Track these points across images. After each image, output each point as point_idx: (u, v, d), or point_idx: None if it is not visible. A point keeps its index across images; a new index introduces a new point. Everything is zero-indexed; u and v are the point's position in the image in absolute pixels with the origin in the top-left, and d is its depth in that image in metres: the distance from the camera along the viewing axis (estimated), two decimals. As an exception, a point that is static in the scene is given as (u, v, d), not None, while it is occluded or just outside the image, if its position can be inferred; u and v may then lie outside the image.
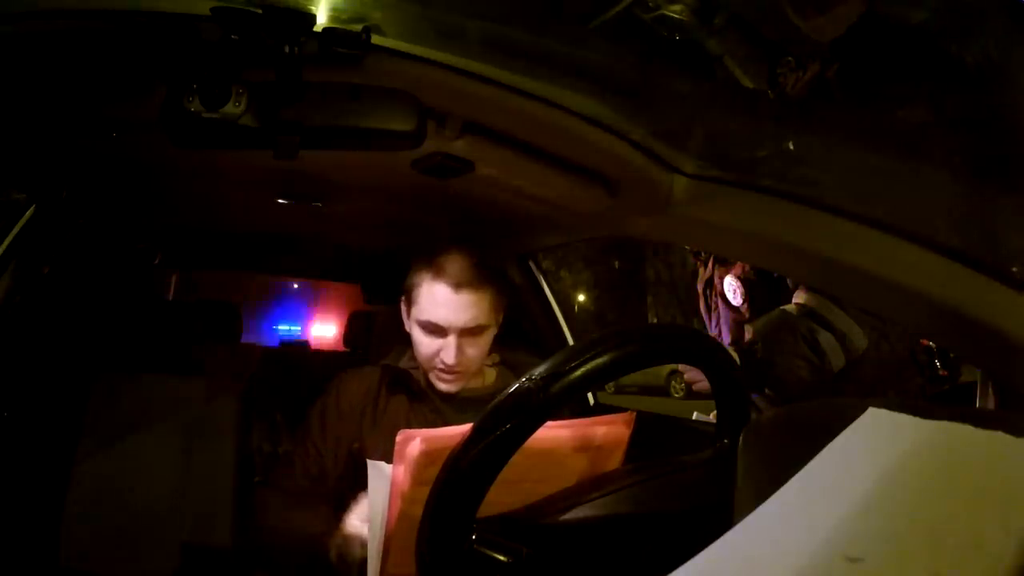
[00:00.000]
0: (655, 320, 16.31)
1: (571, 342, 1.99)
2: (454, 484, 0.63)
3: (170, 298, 2.80)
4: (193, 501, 1.64)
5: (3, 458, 1.48)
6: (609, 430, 0.92)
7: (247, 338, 2.61)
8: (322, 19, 0.80)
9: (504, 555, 0.64)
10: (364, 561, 0.95)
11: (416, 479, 0.80)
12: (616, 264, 17.47)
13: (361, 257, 2.38)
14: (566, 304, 2.25)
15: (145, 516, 1.59)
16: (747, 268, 1.60)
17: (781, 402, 1.46)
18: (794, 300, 1.47)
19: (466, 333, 1.22)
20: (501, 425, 0.61)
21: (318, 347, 4.53)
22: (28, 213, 1.36)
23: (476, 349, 1.26)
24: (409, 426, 0.85)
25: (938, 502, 0.42)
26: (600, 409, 1.96)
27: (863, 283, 0.87)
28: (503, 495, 0.66)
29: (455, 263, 1.22)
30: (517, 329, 1.94)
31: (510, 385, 0.63)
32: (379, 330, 1.77)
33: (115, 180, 1.42)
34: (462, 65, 0.89)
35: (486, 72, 0.90)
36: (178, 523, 1.61)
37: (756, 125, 1.26)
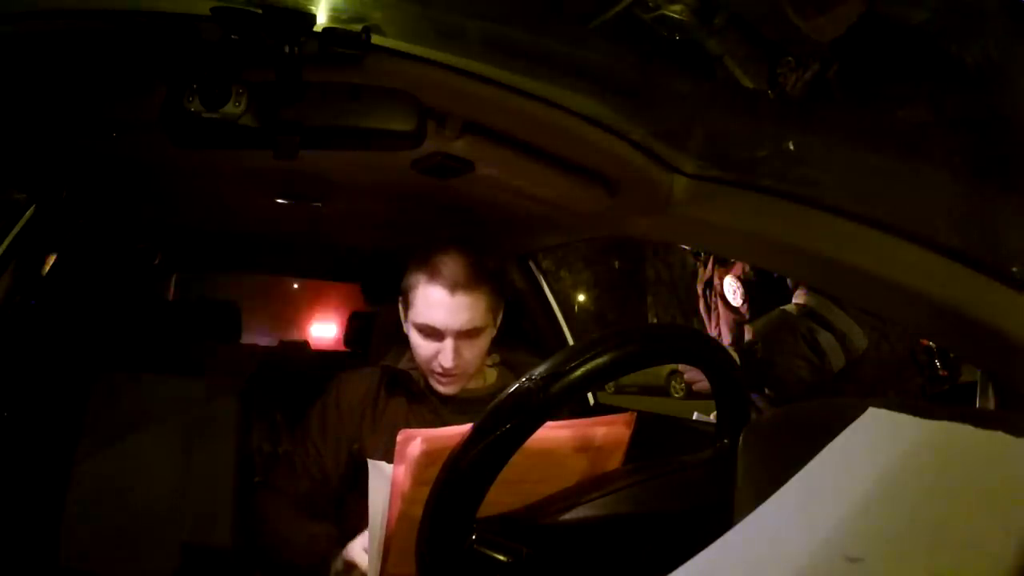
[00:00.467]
0: (655, 320, 16.31)
1: (571, 342, 1.99)
2: (454, 484, 0.63)
3: (171, 298, 2.81)
4: (193, 501, 1.64)
5: (3, 458, 1.48)
6: (609, 430, 0.92)
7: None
8: (322, 19, 0.80)
9: (504, 555, 0.64)
10: None
11: (416, 479, 0.80)
12: (616, 264, 17.47)
13: (361, 257, 2.38)
14: (566, 304, 2.25)
15: (145, 516, 1.59)
16: (747, 268, 1.60)
17: (781, 402, 1.46)
18: (794, 300, 1.47)
19: (463, 336, 1.22)
20: (501, 425, 0.61)
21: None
22: (28, 213, 1.36)
23: (473, 351, 1.25)
24: (408, 427, 0.85)
25: (938, 502, 0.42)
26: (600, 409, 1.96)
27: (863, 283, 0.87)
28: (503, 495, 0.66)
29: (450, 265, 1.21)
30: (517, 329, 1.95)
31: (510, 385, 0.63)
32: (379, 331, 1.77)
33: (115, 180, 1.42)
34: (462, 65, 0.89)
35: (486, 72, 0.90)
36: (178, 523, 1.62)
37: (756, 125, 1.26)
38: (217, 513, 1.64)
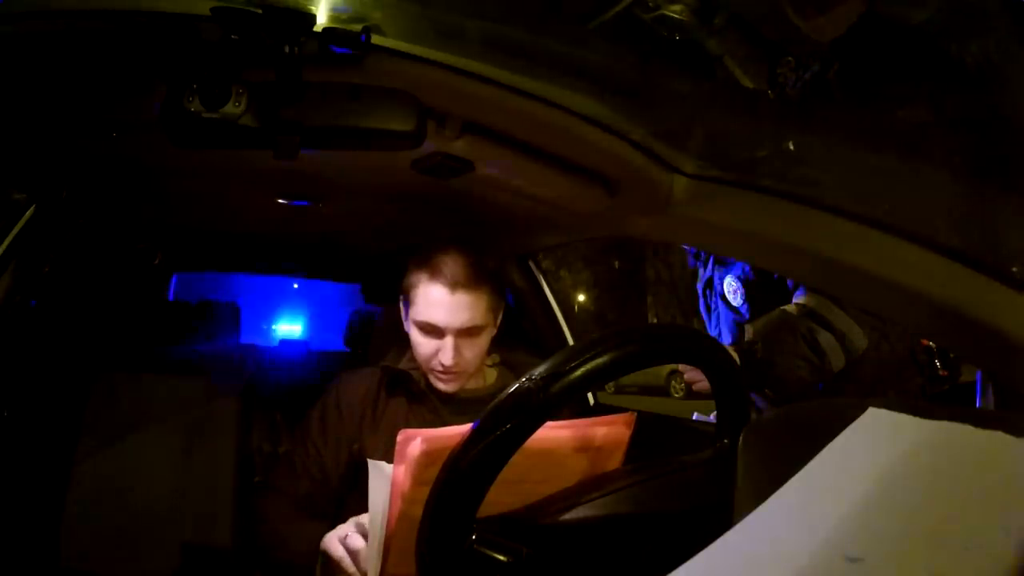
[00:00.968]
0: (655, 320, 16.31)
1: (571, 342, 1.99)
2: (454, 484, 0.63)
3: (170, 298, 2.81)
4: (193, 501, 1.64)
5: (3, 458, 1.48)
6: (609, 430, 0.92)
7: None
8: (322, 19, 0.80)
9: (504, 555, 0.64)
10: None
11: (416, 479, 0.80)
12: (616, 264, 17.47)
13: (361, 257, 2.38)
14: (566, 304, 2.25)
15: (145, 516, 1.59)
16: (747, 268, 1.60)
17: (781, 402, 1.46)
18: (794, 300, 1.47)
19: (463, 334, 1.22)
20: (501, 425, 0.61)
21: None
22: (28, 213, 1.35)
23: (474, 350, 1.26)
24: (408, 427, 0.85)
25: (938, 502, 0.42)
26: (600, 409, 1.96)
27: (863, 283, 0.87)
28: (503, 495, 0.66)
29: (451, 264, 1.22)
30: (517, 329, 1.95)
31: (510, 385, 0.63)
32: (379, 331, 1.77)
33: (115, 180, 1.42)
34: (462, 65, 0.88)
35: (486, 72, 0.90)
36: (178, 523, 1.61)
37: (756, 125, 1.26)
38: (217, 513, 1.64)
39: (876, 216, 0.85)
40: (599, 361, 0.64)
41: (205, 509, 1.64)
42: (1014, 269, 0.73)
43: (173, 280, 2.75)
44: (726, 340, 1.66)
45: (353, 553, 1.00)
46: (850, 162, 1.02)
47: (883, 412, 0.50)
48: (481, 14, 0.95)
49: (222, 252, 2.50)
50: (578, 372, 0.63)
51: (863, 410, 0.51)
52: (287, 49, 0.76)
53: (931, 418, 0.48)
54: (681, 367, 1.13)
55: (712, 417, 1.39)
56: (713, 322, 1.73)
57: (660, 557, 0.47)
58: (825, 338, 1.40)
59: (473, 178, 1.17)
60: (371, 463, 0.92)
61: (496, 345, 1.35)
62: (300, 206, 1.55)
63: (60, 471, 1.58)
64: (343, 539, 1.01)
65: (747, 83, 1.37)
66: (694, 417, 1.64)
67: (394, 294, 1.36)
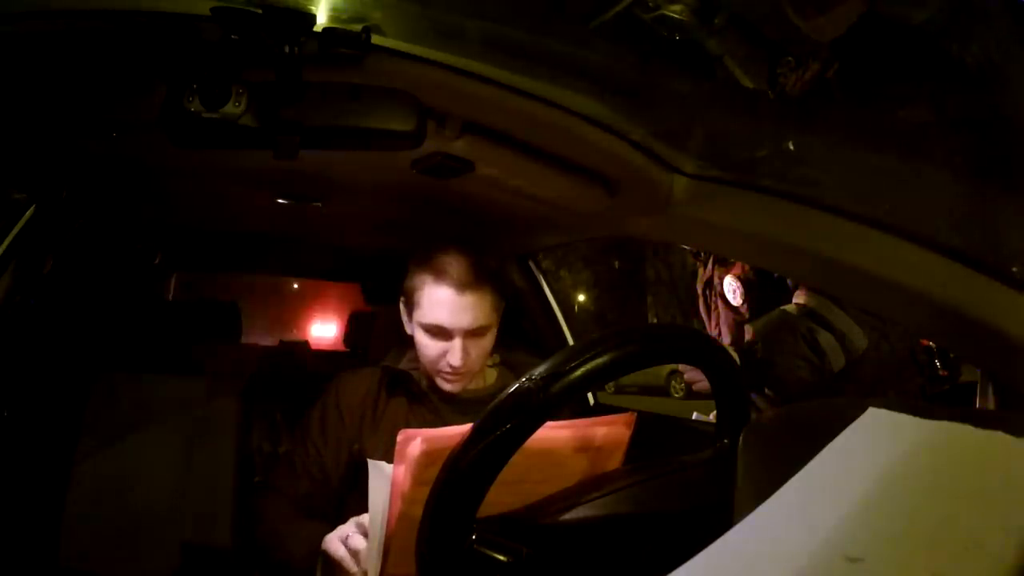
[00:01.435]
0: (655, 320, 16.31)
1: (571, 342, 1.99)
2: (454, 484, 0.63)
3: (170, 298, 2.81)
4: (193, 501, 1.64)
5: (3, 458, 1.48)
6: (609, 430, 0.92)
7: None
8: (322, 19, 0.80)
9: (504, 555, 0.64)
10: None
11: (416, 479, 0.80)
12: (616, 264, 17.47)
13: (361, 257, 2.38)
14: (566, 304, 2.24)
15: (145, 516, 1.59)
16: (747, 268, 1.60)
17: (781, 402, 1.46)
18: (794, 300, 1.47)
19: (470, 335, 1.23)
20: (501, 425, 0.61)
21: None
22: (28, 213, 1.36)
23: (480, 349, 1.26)
24: (408, 427, 0.85)
25: (938, 502, 0.42)
26: (600, 409, 1.96)
27: (863, 283, 0.87)
28: (503, 495, 0.66)
29: (456, 265, 1.22)
30: (517, 329, 1.95)
31: (510, 385, 0.63)
32: (379, 331, 1.77)
33: (115, 180, 1.42)
34: (462, 65, 0.89)
35: (486, 72, 0.90)
36: (178, 523, 1.62)
37: (756, 125, 1.26)
38: (217, 513, 1.64)
39: (876, 216, 0.85)
40: (599, 361, 0.64)
41: (205, 509, 1.65)
42: (1014, 269, 0.73)
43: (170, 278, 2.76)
44: (726, 340, 1.66)
45: (355, 553, 0.99)
46: (850, 162, 1.02)
47: (883, 412, 0.50)
48: (481, 14, 0.95)
49: (222, 252, 2.50)
50: (578, 372, 0.63)
51: (863, 410, 0.51)
52: (287, 49, 0.76)
53: (931, 418, 0.48)
54: (681, 367, 1.13)
55: (712, 417, 1.39)
56: (713, 322, 1.73)
57: (660, 557, 0.47)
58: (825, 338, 1.40)
59: (473, 178, 1.17)
60: (371, 463, 0.92)
61: (496, 345, 1.35)
62: (300, 206, 1.55)
63: (60, 471, 1.58)
64: (344, 539, 1.01)
65: (747, 83, 1.37)
66: (694, 417, 1.64)
67: (394, 294, 1.36)
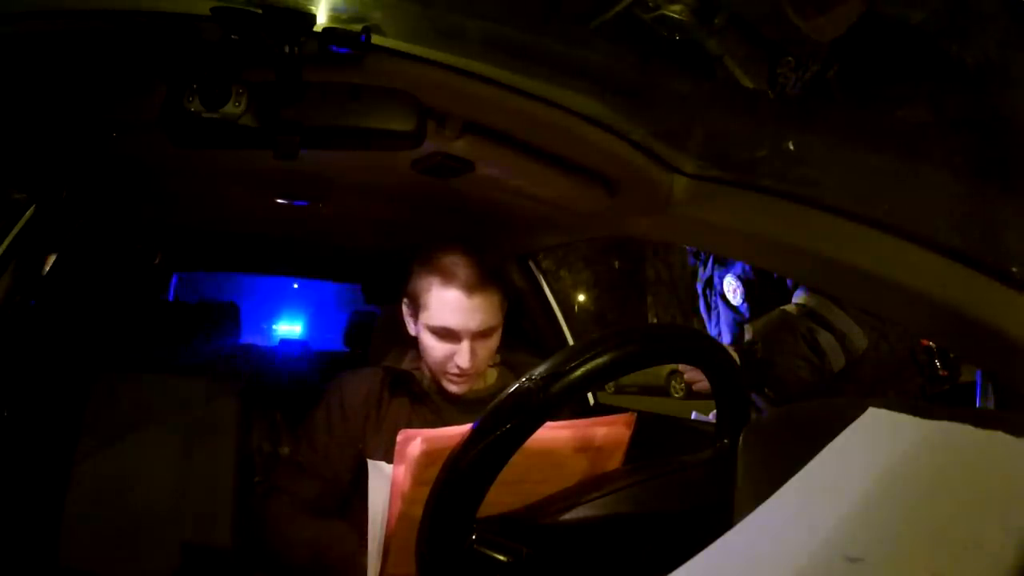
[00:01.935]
0: (655, 320, 16.31)
1: (571, 342, 1.99)
2: (454, 484, 0.63)
3: (170, 298, 2.81)
4: (193, 501, 1.64)
5: (3, 458, 1.48)
6: (609, 430, 0.92)
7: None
8: (322, 19, 0.80)
9: (504, 555, 0.64)
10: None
11: (416, 479, 0.80)
12: (616, 264, 17.47)
13: (361, 257, 2.38)
14: (566, 304, 2.24)
15: (145, 516, 1.59)
16: (747, 268, 1.60)
17: (781, 402, 1.46)
18: (794, 300, 1.47)
19: (478, 336, 1.23)
20: (501, 425, 0.61)
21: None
22: (28, 213, 1.35)
23: (487, 350, 1.26)
24: (411, 427, 0.85)
25: (938, 502, 0.42)
26: (600, 409, 1.96)
27: (863, 283, 0.87)
28: (503, 495, 0.66)
29: (463, 267, 1.21)
30: (517, 329, 1.94)
31: (510, 385, 0.63)
32: (379, 331, 1.77)
33: (115, 180, 1.42)
34: (462, 65, 0.88)
35: (486, 72, 0.90)
36: (178, 523, 1.61)
37: (756, 125, 1.26)
38: (217, 513, 1.64)
39: (876, 216, 0.85)
40: (599, 361, 0.64)
41: (205, 509, 1.64)
42: (1014, 269, 0.73)
43: (173, 279, 2.75)
44: (726, 340, 1.66)
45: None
46: (850, 162, 1.02)
47: (883, 412, 0.50)
48: (481, 14, 0.95)
49: (222, 252, 2.50)
50: (578, 372, 0.63)
51: (863, 410, 0.51)
52: (287, 49, 0.76)
53: (931, 418, 0.48)
54: (681, 367, 1.13)
55: (712, 417, 1.39)
56: (713, 322, 1.73)
57: (660, 557, 0.47)
58: (825, 338, 1.40)
59: (473, 178, 1.17)
60: (371, 463, 0.92)
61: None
62: (300, 206, 1.55)
63: (60, 471, 1.58)
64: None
65: (747, 83, 1.37)
66: (693, 417, 1.64)
67: (394, 294, 1.35)
